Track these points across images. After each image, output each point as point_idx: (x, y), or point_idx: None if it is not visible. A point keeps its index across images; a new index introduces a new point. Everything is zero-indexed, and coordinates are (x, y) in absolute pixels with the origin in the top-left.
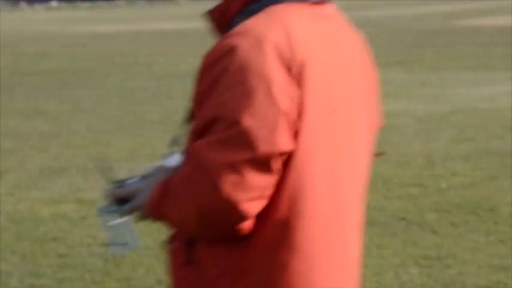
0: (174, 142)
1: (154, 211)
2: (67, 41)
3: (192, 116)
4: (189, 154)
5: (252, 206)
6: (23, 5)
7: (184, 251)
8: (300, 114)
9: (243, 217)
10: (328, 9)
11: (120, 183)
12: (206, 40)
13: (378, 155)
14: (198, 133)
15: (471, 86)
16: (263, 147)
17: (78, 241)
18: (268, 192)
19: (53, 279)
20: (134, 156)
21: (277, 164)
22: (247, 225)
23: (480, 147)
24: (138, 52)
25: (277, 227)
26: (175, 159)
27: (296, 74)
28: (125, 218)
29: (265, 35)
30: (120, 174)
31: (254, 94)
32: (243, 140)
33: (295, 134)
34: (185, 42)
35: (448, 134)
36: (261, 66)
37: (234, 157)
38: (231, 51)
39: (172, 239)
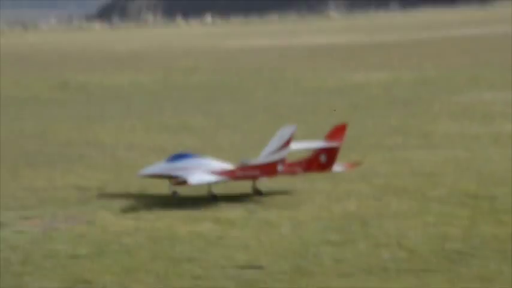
0: None
1: None
2: (218, 56)
3: None
4: None
5: None
6: (178, 20)
7: None
8: None
9: None
10: None
11: None
12: (356, 54)
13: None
14: None
15: None
16: None
17: (213, 262)
18: None
19: None
20: None
21: None
22: None
23: None
24: (287, 66)
25: None
26: None
27: None
28: None
29: None
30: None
31: None
32: None
33: None
34: (335, 56)
35: None
36: None
37: None
38: None
39: None
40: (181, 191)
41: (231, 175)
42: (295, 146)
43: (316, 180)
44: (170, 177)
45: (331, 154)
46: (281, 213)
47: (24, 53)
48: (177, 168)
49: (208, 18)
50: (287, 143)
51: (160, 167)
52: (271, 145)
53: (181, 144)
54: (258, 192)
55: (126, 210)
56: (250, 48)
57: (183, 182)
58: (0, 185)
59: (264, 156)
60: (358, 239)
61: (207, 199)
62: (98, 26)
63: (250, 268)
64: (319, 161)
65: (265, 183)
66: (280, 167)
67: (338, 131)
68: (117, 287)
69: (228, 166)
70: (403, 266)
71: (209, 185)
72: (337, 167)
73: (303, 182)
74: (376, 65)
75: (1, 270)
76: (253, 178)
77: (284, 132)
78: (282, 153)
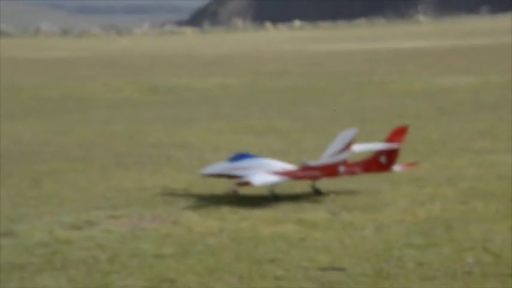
0: None
1: None
2: (305, 60)
3: None
4: None
5: None
6: (267, 24)
7: None
8: None
9: None
10: None
11: None
12: (443, 58)
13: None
14: None
15: None
16: None
17: (296, 264)
18: None
19: None
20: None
21: None
22: None
23: None
24: (374, 70)
25: None
26: None
27: None
28: None
29: None
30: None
31: None
32: None
33: None
34: (422, 60)
35: None
36: None
37: None
38: None
39: None
40: (242, 190)
41: (292, 175)
42: (356, 148)
43: (400, 183)
44: (231, 177)
45: (391, 155)
46: (364, 216)
47: (117, 57)
48: (238, 167)
49: (297, 23)
50: (348, 146)
51: (222, 166)
52: (333, 147)
53: (267, 146)
54: (317, 192)
55: (210, 211)
56: (338, 53)
57: (247, 183)
58: (91, 185)
59: (325, 158)
60: (442, 243)
61: (281, 199)
62: (188, 31)
63: (332, 270)
64: (379, 162)
65: (348, 185)
66: (341, 168)
67: (399, 133)
68: (201, 287)
69: (289, 167)
70: (488, 271)
71: (271, 185)
72: (395, 167)
73: (386, 184)
74: (463, 69)
75: (89, 269)
76: (314, 179)
77: (345, 135)
78: (344, 155)
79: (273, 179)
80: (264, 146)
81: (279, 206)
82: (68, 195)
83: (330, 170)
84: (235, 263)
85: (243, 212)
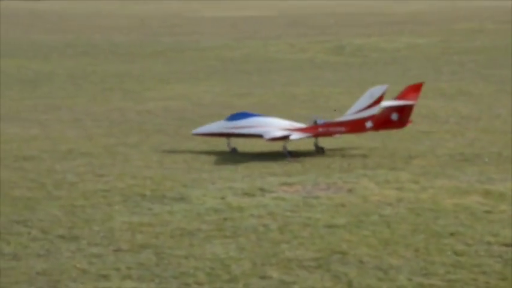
0: None
1: None
2: (504, 17)
3: None
4: None
5: None
6: None
7: None
8: None
9: None
10: None
11: None
12: None
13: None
14: None
15: None
16: None
17: (478, 238)
18: None
19: (444, 280)
20: None
21: None
22: None
23: None
24: None
25: None
26: None
27: None
28: None
29: None
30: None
31: None
32: None
33: None
34: None
35: None
36: None
37: None
38: None
39: None
40: (240, 148)
41: (313, 132)
42: (384, 104)
43: None
44: (229, 136)
45: (404, 112)
46: None
47: (303, 16)
48: (238, 126)
49: None
50: (377, 102)
51: (219, 125)
52: (360, 103)
53: (456, 111)
54: (320, 150)
55: (389, 180)
56: None
57: (284, 138)
58: (267, 150)
59: (350, 113)
60: None
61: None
62: None
63: None
64: (390, 119)
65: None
66: (368, 124)
67: (414, 90)
68: (373, 260)
69: (296, 125)
70: None
71: (285, 142)
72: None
73: None
74: None
75: (259, 237)
76: (338, 134)
77: (375, 91)
78: (371, 111)
79: (299, 135)
80: (452, 110)
81: (463, 176)
82: (242, 160)
83: (356, 126)
84: (411, 236)
85: (424, 182)
